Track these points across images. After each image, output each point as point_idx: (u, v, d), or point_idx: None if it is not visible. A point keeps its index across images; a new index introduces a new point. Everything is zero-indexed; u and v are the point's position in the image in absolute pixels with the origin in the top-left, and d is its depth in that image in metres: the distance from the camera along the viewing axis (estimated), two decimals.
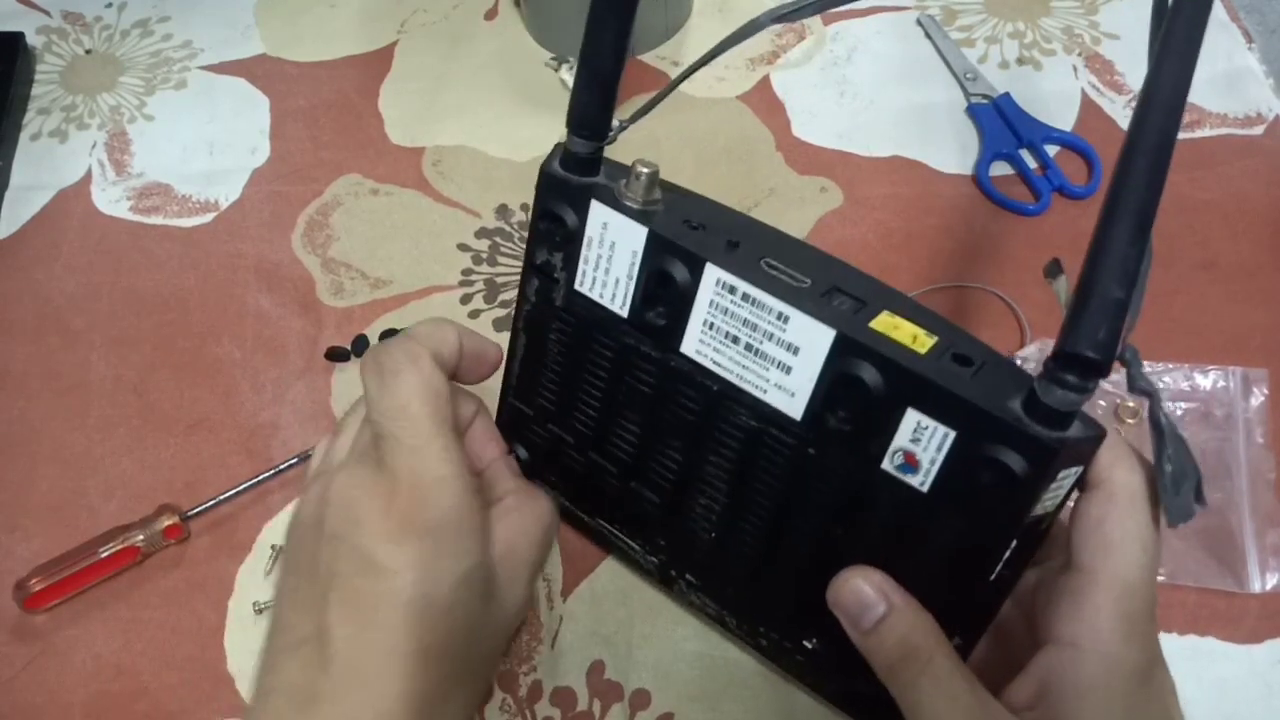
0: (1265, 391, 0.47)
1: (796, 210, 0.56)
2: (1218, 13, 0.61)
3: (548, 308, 0.37)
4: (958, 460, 0.28)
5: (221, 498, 0.47)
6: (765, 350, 0.31)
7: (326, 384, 0.51)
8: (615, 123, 0.34)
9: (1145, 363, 0.48)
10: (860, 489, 0.31)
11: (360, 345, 0.52)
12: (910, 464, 0.29)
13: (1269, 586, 0.43)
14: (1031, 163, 0.57)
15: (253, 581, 0.46)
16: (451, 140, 0.60)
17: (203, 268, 0.56)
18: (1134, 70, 0.60)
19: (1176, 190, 0.55)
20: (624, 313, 0.34)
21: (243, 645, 0.44)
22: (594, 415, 0.38)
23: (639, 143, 0.59)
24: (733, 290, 0.31)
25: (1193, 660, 0.42)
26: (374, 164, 0.60)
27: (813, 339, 0.30)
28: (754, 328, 0.31)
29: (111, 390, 0.52)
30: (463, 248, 0.56)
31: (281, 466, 0.47)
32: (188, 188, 0.59)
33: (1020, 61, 0.61)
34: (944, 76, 0.61)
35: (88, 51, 0.66)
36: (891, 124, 0.59)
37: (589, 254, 0.35)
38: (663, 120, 0.60)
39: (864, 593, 0.31)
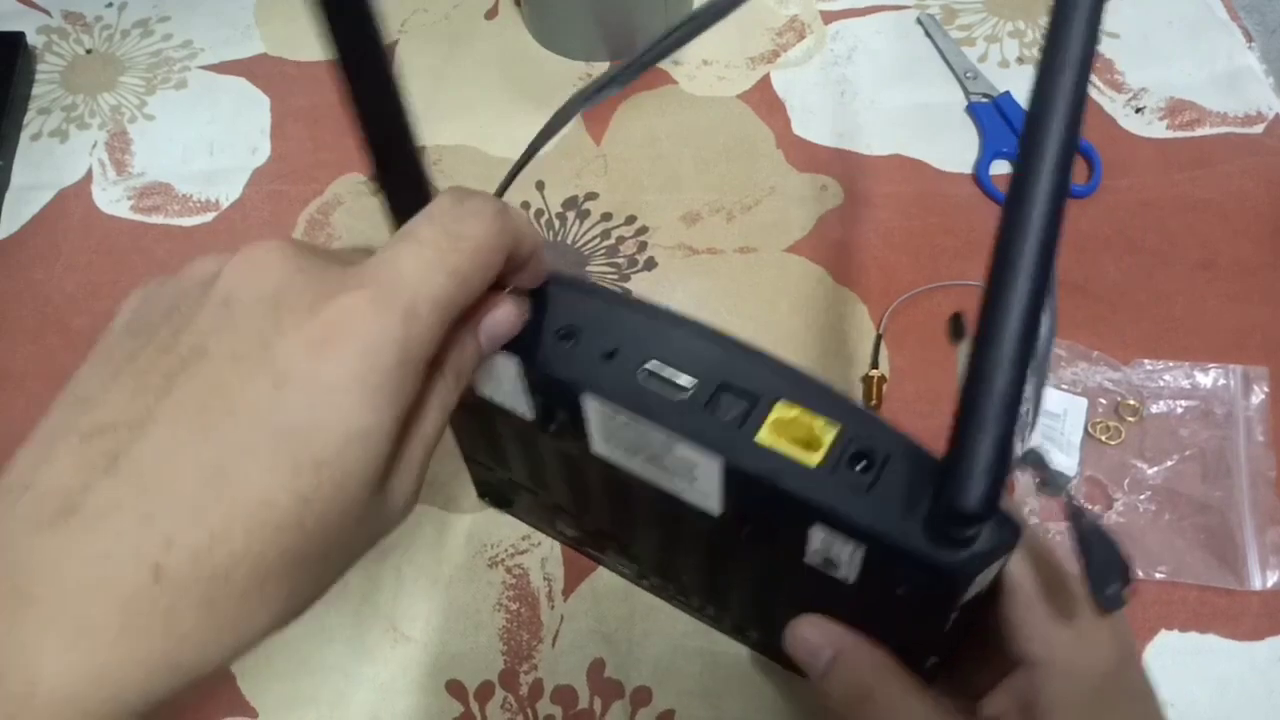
0: (1266, 390, 0.47)
1: (797, 209, 0.56)
2: (1218, 12, 0.62)
3: (469, 392, 0.33)
4: (874, 565, 0.27)
5: None
6: (665, 463, 0.30)
7: None
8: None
9: (1146, 361, 0.48)
10: (788, 572, 0.30)
11: None
12: (832, 565, 0.29)
13: (1269, 584, 0.43)
14: None
15: None
16: (452, 140, 0.60)
17: None
18: (1134, 70, 0.60)
19: (1177, 189, 0.55)
20: (530, 417, 0.32)
21: None
22: (537, 481, 0.39)
23: (639, 145, 0.59)
24: (614, 416, 0.29)
25: (1194, 657, 0.42)
26: None
27: (702, 464, 0.28)
28: (646, 446, 0.29)
29: None
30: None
31: None
32: (188, 187, 0.59)
33: (1020, 60, 0.61)
34: (944, 75, 0.61)
35: (88, 51, 0.66)
36: (892, 123, 0.59)
37: (480, 371, 0.31)
38: (663, 120, 0.60)
39: (809, 641, 0.31)
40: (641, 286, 0.54)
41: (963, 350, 0.25)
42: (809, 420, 0.27)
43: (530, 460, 0.37)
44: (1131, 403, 0.47)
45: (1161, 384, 0.48)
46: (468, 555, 0.46)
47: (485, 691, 0.43)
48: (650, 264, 0.54)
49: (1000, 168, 0.57)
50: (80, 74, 0.65)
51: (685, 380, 0.29)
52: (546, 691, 0.43)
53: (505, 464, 0.39)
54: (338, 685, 0.43)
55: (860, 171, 0.57)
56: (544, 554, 0.46)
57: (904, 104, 0.60)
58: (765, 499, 0.27)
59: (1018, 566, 0.28)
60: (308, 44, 0.65)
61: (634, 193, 0.57)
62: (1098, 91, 0.59)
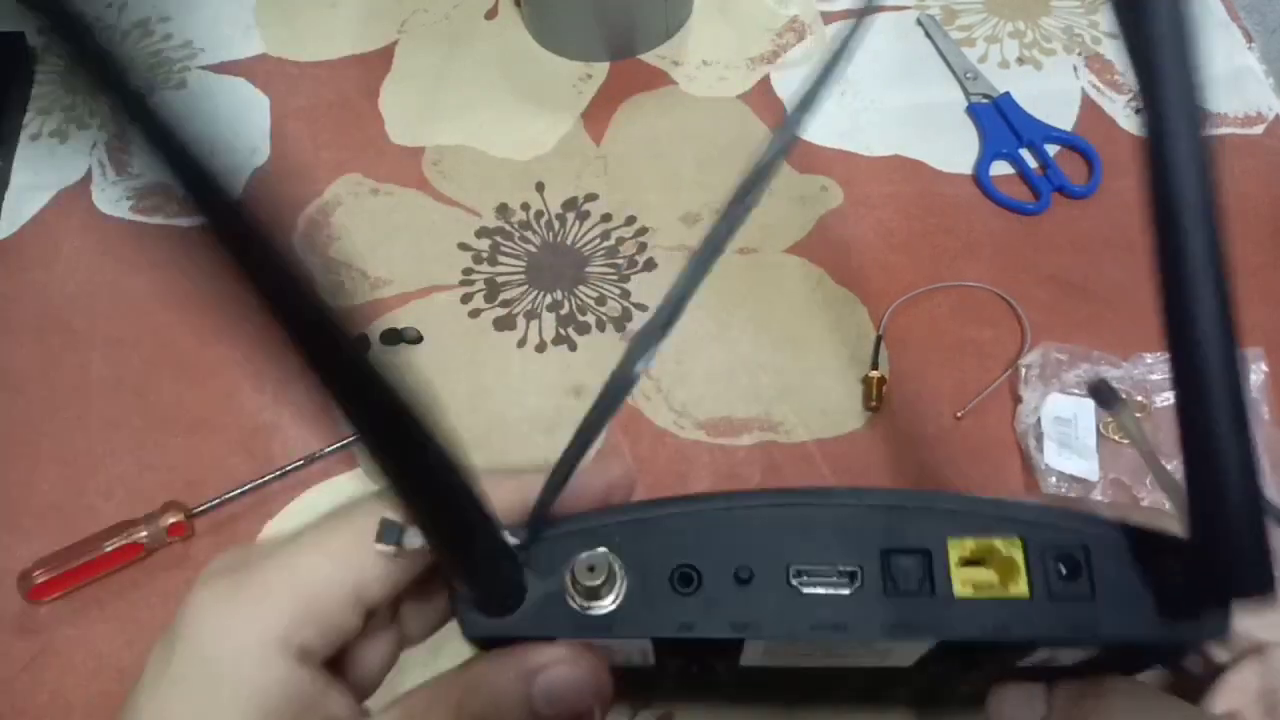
0: (1265, 369, 0.47)
1: (796, 209, 0.56)
2: (1217, 13, 0.62)
3: None
4: (1104, 656, 0.26)
5: (227, 496, 0.47)
6: (850, 656, 0.26)
7: None
8: (512, 539, 0.24)
9: (1146, 355, 0.48)
10: (998, 673, 0.29)
11: (360, 345, 0.52)
12: (1049, 664, 0.27)
13: None
14: (1032, 162, 0.57)
15: None
16: (452, 140, 0.60)
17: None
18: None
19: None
20: (650, 664, 0.28)
21: None
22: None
23: (639, 146, 0.59)
24: (790, 644, 0.25)
25: None
26: (374, 164, 0.60)
27: (905, 649, 0.26)
28: (827, 654, 0.26)
29: (112, 390, 0.52)
30: (463, 247, 0.56)
31: (287, 468, 0.47)
32: None
33: (1020, 61, 0.61)
34: (944, 76, 0.61)
35: None
36: (892, 123, 0.59)
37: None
38: (663, 120, 0.60)
39: (1024, 708, 0.28)
40: (641, 287, 0.54)
41: (1125, 418, 0.25)
42: (990, 547, 0.25)
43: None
44: (1139, 398, 0.47)
45: (1163, 376, 0.48)
46: None
47: None
48: (650, 265, 0.54)
49: (1000, 168, 0.56)
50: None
51: (845, 568, 0.25)
52: None
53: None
54: None
55: (860, 172, 0.57)
56: None
57: (904, 104, 0.60)
58: (980, 664, 0.26)
59: None
60: (308, 44, 0.65)
61: (634, 193, 0.57)
62: (1098, 92, 0.59)
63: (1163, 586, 0.24)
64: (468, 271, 0.55)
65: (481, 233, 0.56)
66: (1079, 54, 0.61)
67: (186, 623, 0.22)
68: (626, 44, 0.62)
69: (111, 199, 0.59)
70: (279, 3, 0.68)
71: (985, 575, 0.24)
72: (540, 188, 0.58)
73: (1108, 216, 0.54)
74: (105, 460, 0.50)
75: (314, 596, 0.22)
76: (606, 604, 0.24)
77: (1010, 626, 0.24)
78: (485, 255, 0.56)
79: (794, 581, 0.25)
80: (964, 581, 0.24)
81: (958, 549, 0.25)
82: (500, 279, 0.55)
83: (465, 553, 0.23)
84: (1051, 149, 0.57)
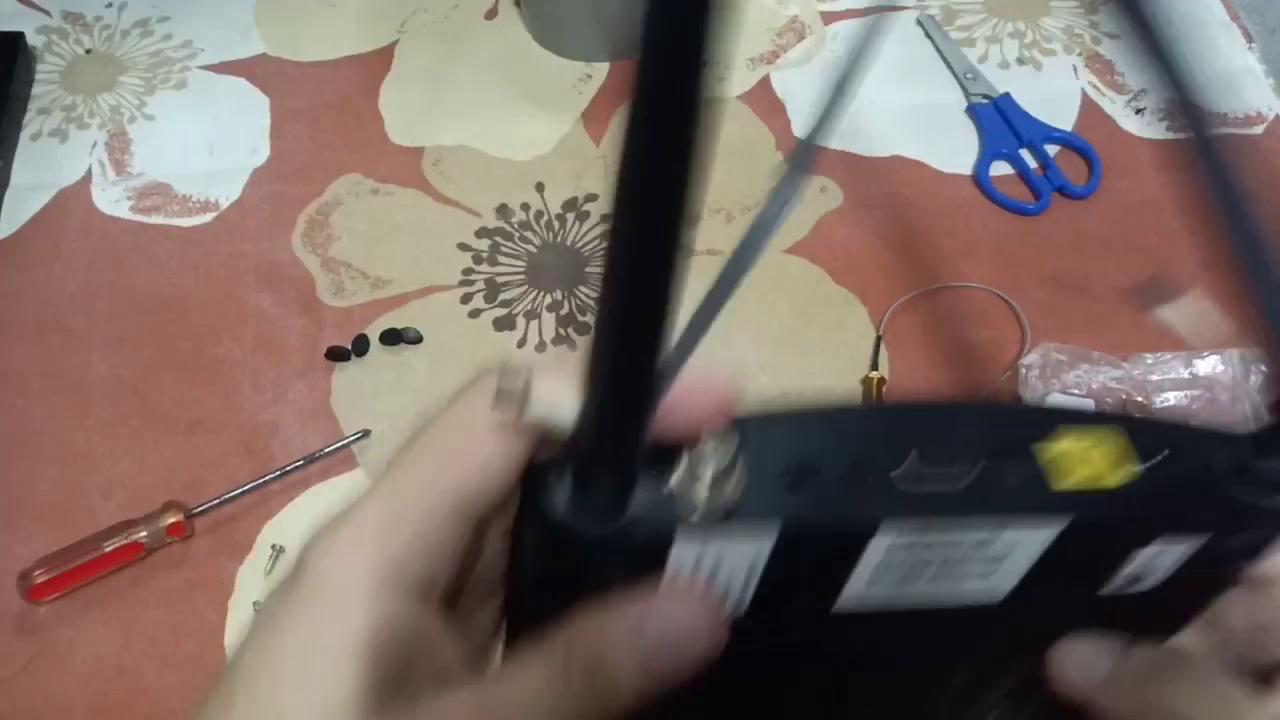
0: (1263, 370, 0.47)
1: (797, 210, 0.56)
2: (1217, 13, 0.62)
3: None
4: (1205, 555, 0.25)
5: (226, 496, 0.47)
6: (958, 571, 0.25)
7: (327, 383, 0.51)
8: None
9: (1147, 355, 0.48)
10: (1071, 618, 0.28)
11: (360, 345, 0.52)
12: (1137, 579, 0.26)
13: None
14: (1032, 163, 0.57)
15: (253, 581, 0.46)
16: (452, 140, 0.60)
17: (203, 267, 0.56)
18: (1134, 70, 0.60)
19: (1177, 190, 0.55)
20: (740, 613, 0.25)
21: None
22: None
23: None
24: (914, 541, 0.24)
25: None
26: (374, 164, 0.60)
27: (1022, 544, 0.25)
28: (944, 560, 0.25)
29: (112, 390, 0.52)
30: (463, 247, 0.56)
31: (287, 468, 0.47)
32: (188, 187, 0.59)
33: (1020, 61, 0.61)
34: (944, 76, 0.61)
35: (88, 51, 0.66)
36: (892, 124, 0.59)
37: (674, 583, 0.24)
38: None
39: (1090, 661, 0.27)
40: None
41: (1172, 311, 0.23)
42: (1088, 445, 0.25)
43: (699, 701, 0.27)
44: (1139, 399, 0.47)
45: (1162, 376, 0.48)
46: None
47: None
48: None
49: (1000, 169, 0.56)
50: (80, 74, 0.65)
51: (958, 468, 0.24)
52: None
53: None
54: None
55: (860, 172, 0.57)
56: None
57: (904, 105, 0.60)
58: (1084, 560, 0.25)
59: None
60: (308, 44, 0.65)
61: None
62: (1098, 92, 0.59)
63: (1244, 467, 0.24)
64: (468, 272, 0.55)
65: (481, 233, 0.56)
66: (1079, 54, 0.61)
67: (301, 564, 0.20)
68: (626, 44, 0.62)
69: (111, 199, 0.59)
70: (279, 3, 0.68)
71: (1085, 463, 0.24)
72: (540, 188, 0.58)
73: (1108, 217, 0.54)
74: (105, 460, 0.50)
75: (412, 515, 0.21)
76: (728, 498, 0.22)
77: (1116, 516, 0.24)
78: (485, 255, 0.56)
79: (908, 478, 0.23)
80: (1067, 473, 0.24)
81: (1056, 447, 0.24)
82: (500, 279, 0.55)
83: (622, 414, 0.19)
84: (1051, 149, 0.57)
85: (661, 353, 0.18)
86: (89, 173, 0.60)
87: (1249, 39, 0.60)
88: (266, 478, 0.47)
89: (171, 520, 0.46)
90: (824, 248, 0.54)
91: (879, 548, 0.24)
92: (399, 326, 0.52)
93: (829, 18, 0.64)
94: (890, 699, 0.31)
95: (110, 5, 0.68)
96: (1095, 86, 0.59)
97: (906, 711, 0.32)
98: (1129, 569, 0.26)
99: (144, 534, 0.45)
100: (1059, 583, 0.26)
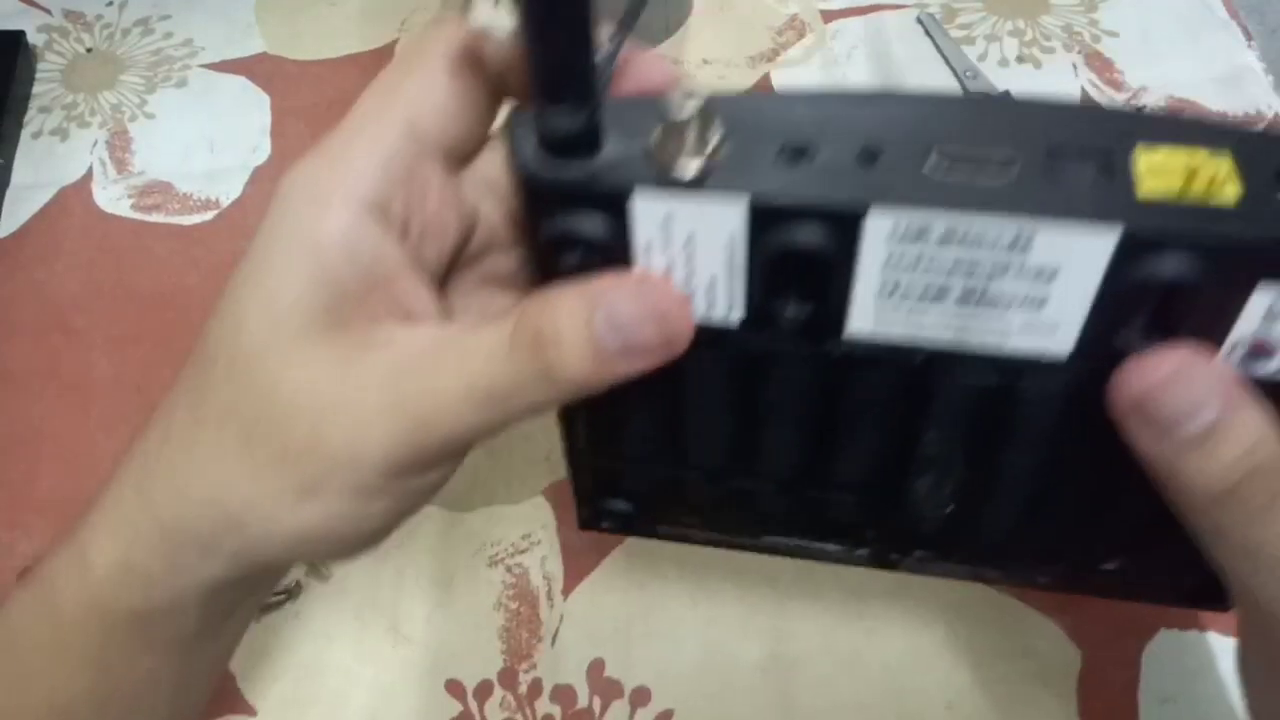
0: None
1: None
2: (1218, 12, 0.62)
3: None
4: None
5: None
6: (996, 293, 0.20)
7: None
8: (600, 52, 0.20)
9: None
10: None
11: None
12: (1261, 353, 0.20)
13: None
14: None
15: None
16: None
17: (204, 266, 0.56)
18: (1133, 69, 0.60)
19: None
20: (734, 321, 0.23)
21: (243, 643, 0.44)
22: (726, 443, 0.28)
23: None
24: (921, 234, 0.20)
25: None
26: None
27: (1078, 253, 0.19)
28: (970, 271, 0.20)
29: (113, 389, 0.52)
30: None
31: None
32: (189, 186, 0.60)
33: (1020, 59, 0.61)
34: (944, 74, 0.61)
35: (89, 50, 0.66)
36: None
37: (650, 264, 0.22)
38: None
39: (1192, 387, 0.20)
40: None
41: None
42: (1189, 156, 0.19)
43: (723, 422, 0.27)
44: None
45: None
46: (467, 554, 0.46)
47: (484, 690, 0.43)
48: None
49: None
50: (81, 72, 0.65)
51: (999, 158, 0.19)
52: (545, 690, 0.43)
53: (674, 450, 0.29)
54: (338, 685, 0.43)
55: None
56: (544, 553, 0.46)
57: None
58: (1177, 289, 0.19)
59: None
60: (308, 43, 0.66)
61: None
62: (1097, 90, 0.59)
63: None
64: None
65: None
66: (1078, 52, 0.61)
67: (276, 191, 0.22)
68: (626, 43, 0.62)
69: (112, 197, 0.59)
70: (280, 1, 0.68)
71: (1181, 176, 0.19)
72: None
73: None
74: (106, 458, 0.49)
75: (366, 139, 0.22)
76: (697, 160, 0.20)
77: (1212, 228, 0.19)
78: None
79: (934, 166, 0.19)
80: (1154, 183, 0.19)
81: (1147, 156, 0.19)
82: None
83: (554, 38, 0.18)
84: None
85: None
86: (90, 171, 0.60)
87: (1249, 38, 0.60)
88: None
89: None
90: None
91: (876, 239, 0.20)
92: None
93: (829, 16, 0.64)
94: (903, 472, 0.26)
95: (111, 4, 0.69)
96: (1095, 85, 0.59)
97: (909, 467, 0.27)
98: (1241, 330, 0.20)
99: None
100: (1147, 336, 0.20)
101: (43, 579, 0.26)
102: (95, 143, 0.62)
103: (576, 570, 0.45)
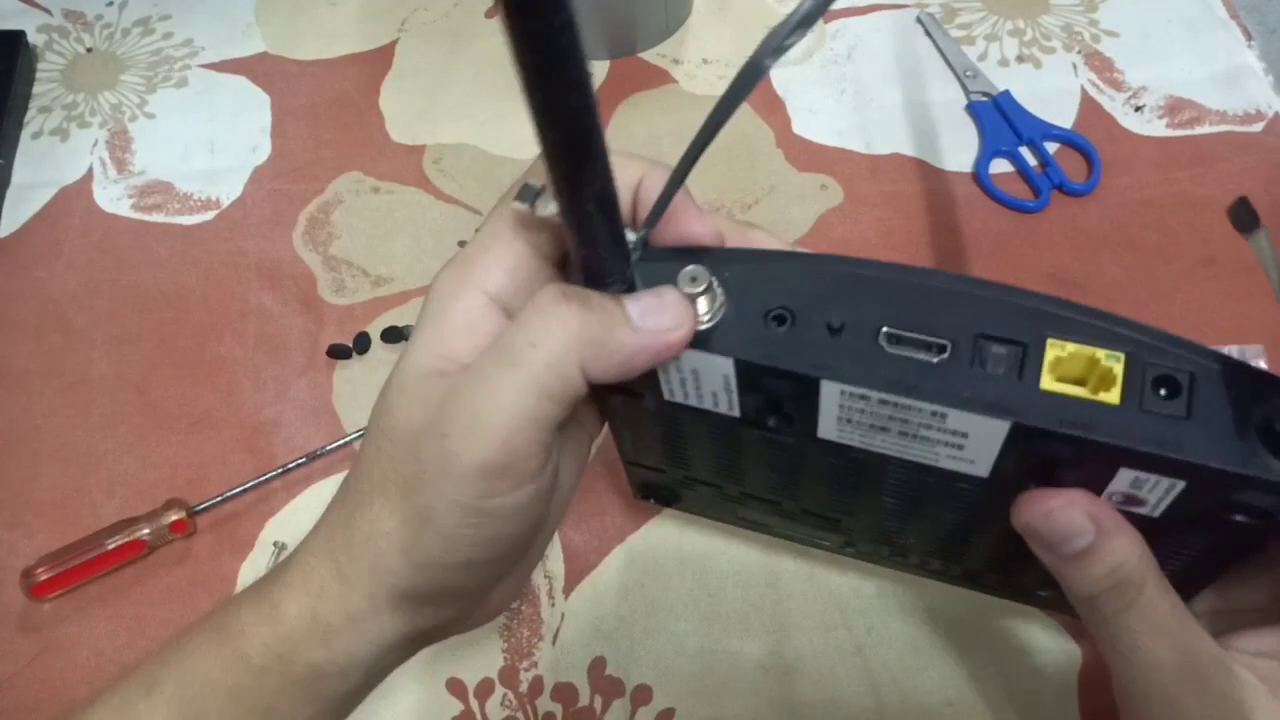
0: (1264, 366, 0.47)
1: (797, 207, 0.56)
2: (1217, 11, 0.62)
3: (639, 410, 0.31)
4: (1191, 498, 0.25)
5: (228, 494, 0.47)
6: (926, 436, 0.26)
7: (328, 381, 0.52)
8: (632, 236, 0.27)
9: None
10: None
11: (362, 343, 0.52)
12: (1134, 501, 0.26)
13: None
14: (1031, 160, 0.57)
15: (255, 579, 0.46)
16: (452, 138, 0.60)
17: (204, 265, 0.56)
18: (1133, 68, 0.60)
19: (1177, 187, 0.55)
20: (734, 414, 0.29)
21: None
22: (730, 475, 0.35)
23: (640, 144, 0.59)
24: (864, 398, 0.26)
25: None
26: (375, 162, 0.60)
27: (980, 430, 0.25)
28: (903, 422, 0.26)
29: (113, 388, 0.52)
30: (464, 245, 0.56)
31: (290, 466, 0.47)
32: (189, 186, 0.60)
33: (1020, 59, 0.61)
34: (944, 74, 0.61)
35: (89, 50, 0.66)
36: (891, 121, 0.59)
37: (668, 378, 0.28)
38: (663, 118, 0.60)
39: (1071, 520, 0.26)
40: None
41: (1261, 240, 0.24)
42: (1090, 354, 0.24)
43: (722, 456, 0.34)
44: None
45: None
46: None
47: (485, 689, 0.43)
48: None
49: (1000, 166, 0.57)
50: (81, 72, 0.65)
51: (936, 340, 0.25)
52: (546, 689, 0.43)
53: (682, 464, 0.36)
54: None
55: (860, 170, 0.57)
56: (544, 552, 0.46)
57: (904, 102, 0.60)
58: (1058, 454, 0.25)
59: None
60: (308, 42, 0.66)
61: None
62: (1097, 90, 0.59)
63: (1268, 428, 0.23)
64: None
65: None
66: (1078, 52, 0.61)
67: (431, 286, 0.29)
68: (626, 42, 0.62)
69: (112, 197, 0.59)
70: (280, 1, 0.68)
71: (1076, 376, 0.24)
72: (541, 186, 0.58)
73: (1107, 214, 0.54)
74: (107, 457, 0.50)
75: (501, 264, 0.28)
76: (703, 319, 0.26)
77: (1093, 426, 0.23)
78: None
79: (882, 341, 0.25)
80: (1054, 378, 0.24)
81: (1056, 349, 0.24)
82: None
83: (590, 224, 0.24)
84: (1051, 147, 0.57)
85: (597, 186, 0.24)
86: (90, 171, 0.60)
87: (1248, 37, 0.60)
88: (268, 475, 0.47)
89: (174, 518, 0.46)
90: (824, 245, 0.54)
91: (831, 397, 0.26)
92: (400, 324, 0.53)
93: (829, 16, 0.64)
94: (873, 511, 0.33)
95: (111, 4, 0.69)
96: (1095, 84, 0.60)
97: (884, 524, 0.34)
98: (1119, 488, 0.25)
99: (146, 531, 0.45)
100: (1044, 477, 0.26)
101: (233, 627, 0.28)
102: (95, 143, 0.62)
103: (577, 569, 0.45)
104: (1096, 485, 0.26)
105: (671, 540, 0.46)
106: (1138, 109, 0.58)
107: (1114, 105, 0.59)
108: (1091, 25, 0.62)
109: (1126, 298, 0.51)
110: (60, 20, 0.68)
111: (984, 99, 0.59)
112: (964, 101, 0.60)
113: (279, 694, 0.27)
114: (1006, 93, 0.59)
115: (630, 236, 0.26)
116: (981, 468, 0.27)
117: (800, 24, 0.21)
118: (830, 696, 0.42)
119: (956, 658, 0.42)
